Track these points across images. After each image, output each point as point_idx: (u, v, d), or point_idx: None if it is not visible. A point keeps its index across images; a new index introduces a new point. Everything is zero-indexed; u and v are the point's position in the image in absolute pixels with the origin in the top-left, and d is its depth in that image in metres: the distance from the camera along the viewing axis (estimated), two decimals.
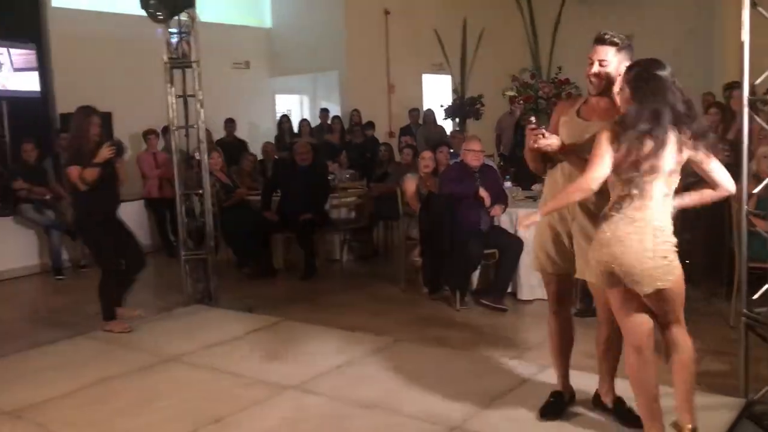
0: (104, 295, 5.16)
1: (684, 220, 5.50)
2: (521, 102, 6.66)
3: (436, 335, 4.90)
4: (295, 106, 13.60)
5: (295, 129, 10.92)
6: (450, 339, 4.82)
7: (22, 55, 8.21)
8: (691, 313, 4.94)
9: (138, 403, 3.81)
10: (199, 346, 4.72)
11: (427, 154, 6.41)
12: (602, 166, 2.75)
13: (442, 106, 11.44)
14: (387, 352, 4.47)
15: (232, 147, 9.21)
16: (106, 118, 8.76)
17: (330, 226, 7.19)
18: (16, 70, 8.12)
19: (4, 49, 8.02)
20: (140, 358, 4.52)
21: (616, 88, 2.98)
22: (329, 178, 7.82)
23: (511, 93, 6.80)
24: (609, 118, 2.93)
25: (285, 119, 11.07)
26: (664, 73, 2.74)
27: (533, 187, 6.80)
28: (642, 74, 2.75)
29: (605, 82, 3.01)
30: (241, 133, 10.34)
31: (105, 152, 4.88)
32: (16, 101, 8.30)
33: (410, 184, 6.10)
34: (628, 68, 2.85)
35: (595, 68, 3.00)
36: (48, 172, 7.62)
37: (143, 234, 8.54)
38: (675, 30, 12.46)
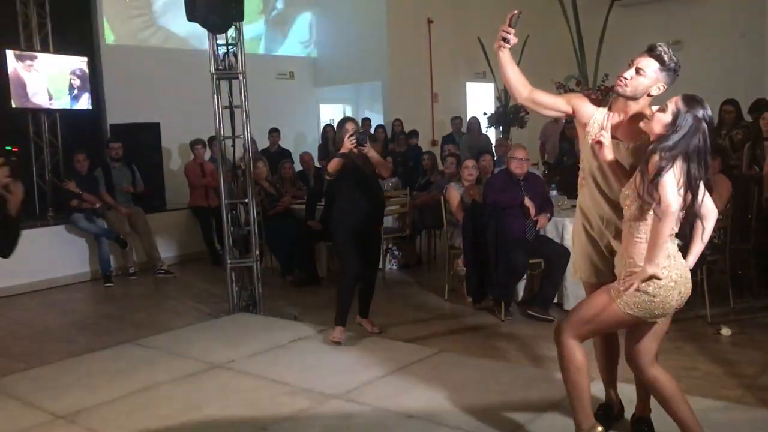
0: (338, 299, 5.03)
1: (740, 231, 5.41)
2: None
3: (480, 346, 4.85)
4: (338, 116, 13.71)
5: None
6: (495, 350, 4.76)
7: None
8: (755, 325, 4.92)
9: (184, 410, 3.85)
10: (245, 354, 4.76)
11: (470, 163, 6.37)
12: None
13: (485, 114, 11.37)
14: (431, 363, 4.44)
15: (276, 157, 9.31)
16: (155, 129, 9.03)
17: None
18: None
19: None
20: (186, 365, 4.58)
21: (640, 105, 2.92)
22: None
23: None
24: (636, 139, 2.91)
25: (329, 128, 11.15)
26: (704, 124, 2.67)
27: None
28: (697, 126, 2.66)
29: (630, 91, 2.91)
30: (286, 143, 10.46)
31: (346, 143, 4.73)
32: (68, 113, 8.54)
33: (454, 193, 6.06)
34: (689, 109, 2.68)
35: (630, 72, 2.89)
36: (99, 182, 7.80)
37: (189, 242, 8.71)
38: (726, 34, 12.16)
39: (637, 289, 2.70)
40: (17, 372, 4.66)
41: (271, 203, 7.45)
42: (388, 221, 7.50)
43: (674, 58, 2.86)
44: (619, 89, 2.94)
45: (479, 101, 12.98)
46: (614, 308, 2.77)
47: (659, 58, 2.85)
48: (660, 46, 2.87)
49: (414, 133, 10.70)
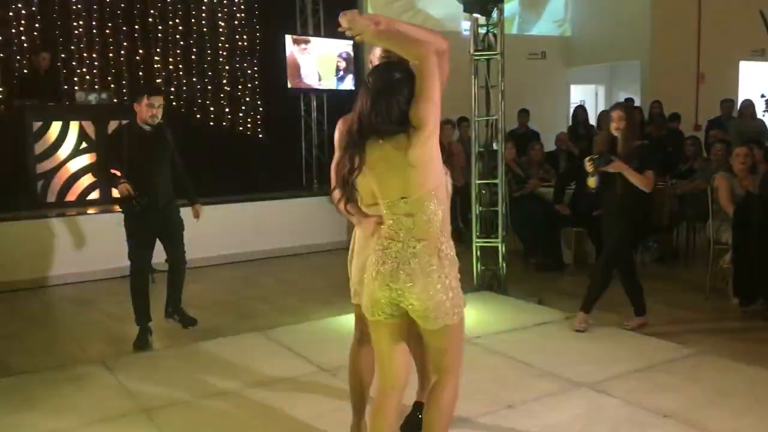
0: None
1: None
2: None
3: (745, 351, 4.40)
4: (589, 97, 13.20)
5: (591, 121, 10.57)
6: (764, 357, 4.29)
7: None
8: None
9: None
10: (490, 331, 4.83)
11: (741, 151, 5.76)
12: None
13: (762, 96, 10.21)
14: (688, 363, 4.15)
15: (524, 138, 9.22)
16: None
17: None
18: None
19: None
20: None
21: None
22: None
23: None
24: None
25: (579, 110, 10.77)
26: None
27: None
28: None
29: None
30: (534, 124, 10.30)
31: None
32: (333, 94, 9.23)
33: (723, 183, 5.53)
34: None
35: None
36: None
37: None
38: None
39: None
40: (287, 325, 5.20)
41: (518, 185, 7.42)
42: None
43: None
44: None
45: (755, 82, 11.68)
46: None
47: None
48: None
49: (675, 117, 9.93)
